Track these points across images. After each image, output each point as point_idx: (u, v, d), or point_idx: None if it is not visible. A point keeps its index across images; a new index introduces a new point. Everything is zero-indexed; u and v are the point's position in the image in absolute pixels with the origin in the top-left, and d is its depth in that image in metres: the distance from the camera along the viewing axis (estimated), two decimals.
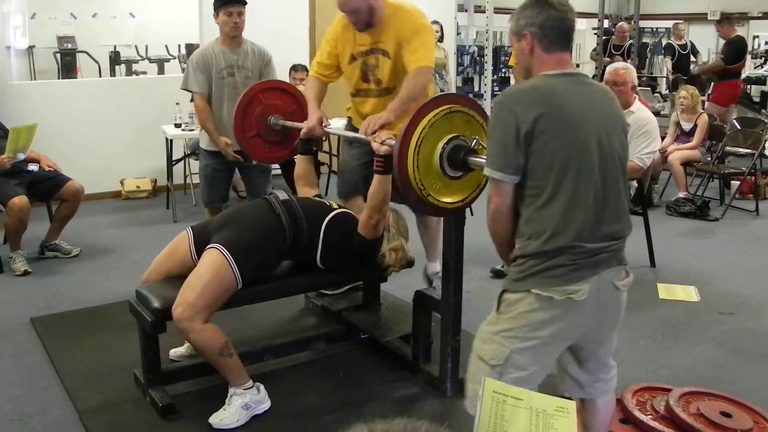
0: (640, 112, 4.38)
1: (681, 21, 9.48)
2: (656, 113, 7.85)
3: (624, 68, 4.35)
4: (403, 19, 3.26)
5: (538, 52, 1.98)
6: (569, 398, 1.83)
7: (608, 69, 4.46)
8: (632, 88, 4.32)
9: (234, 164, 4.15)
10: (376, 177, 2.82)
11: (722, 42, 8.29)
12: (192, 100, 4.52)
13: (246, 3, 4.04)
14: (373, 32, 3.30)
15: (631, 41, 8.69)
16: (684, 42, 9.32)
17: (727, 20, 8.15)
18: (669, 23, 8.95)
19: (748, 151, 6.61)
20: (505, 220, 1.99)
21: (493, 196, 1.98)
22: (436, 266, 4.07)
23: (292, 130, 3.54)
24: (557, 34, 1.97)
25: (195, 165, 5.65)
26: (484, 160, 2.38)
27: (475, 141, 2.43)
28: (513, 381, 1.90)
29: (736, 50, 7.97)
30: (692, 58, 9.29)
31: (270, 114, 3.62)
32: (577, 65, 13.70)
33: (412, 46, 3.21)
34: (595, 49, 9.34)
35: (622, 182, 2.02)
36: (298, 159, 3.44)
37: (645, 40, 12.14)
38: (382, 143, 2.74)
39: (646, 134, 4.29)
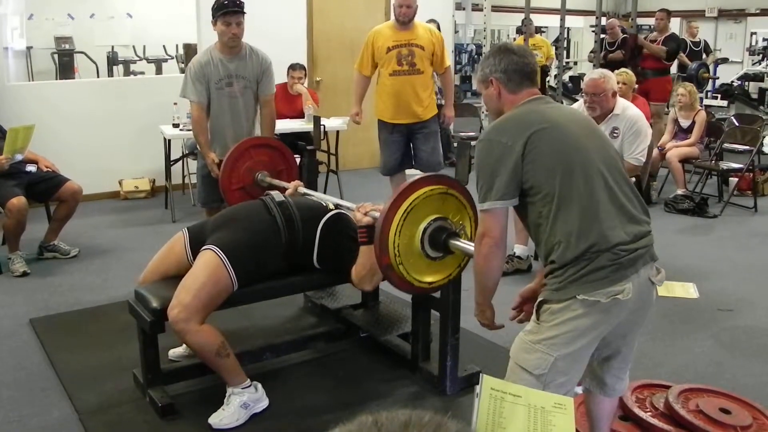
0: (626, 112, 4.20)
1: (681, 18, 9.46)
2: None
3: (602, 77, 4.14)
4: (435, 31, 5.04)
5: (505, 94, 2.10)
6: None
7: (585, 79, 4.25)
8: (613, 95, 4.13)
9: None
10: (361, 249, 2.79)
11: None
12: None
13: (245, 12, 3.97)
14: (409, 32, 4.84)
15: (624, 36, 8.59)
16: (698, 39, 9.31)
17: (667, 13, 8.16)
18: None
19: (746, 147, 6.62)
20: (499, 254, 2.04)
21: (487, 231, 2.01)
22: None
23: (277, 188, 3.59)
24: (521, 76, 2.09)
25: (193, 165, 5.65)
26: (464, 245, 2.45)
27: (460, 227, 2.50)
28: (558, 386, 1.93)
29: (677, 47, 8.14)
30: (704, 56, 9.28)
31: (258, 170, 3.69)
32: (575, 63, 13.69)
33: (444, 51, 5.01)
34: (592, 51, 9.28)
35: (626, 173, 2.07)
36: None
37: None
38: (365, 214, 2.72)
39: (637, 133, 4.19)
